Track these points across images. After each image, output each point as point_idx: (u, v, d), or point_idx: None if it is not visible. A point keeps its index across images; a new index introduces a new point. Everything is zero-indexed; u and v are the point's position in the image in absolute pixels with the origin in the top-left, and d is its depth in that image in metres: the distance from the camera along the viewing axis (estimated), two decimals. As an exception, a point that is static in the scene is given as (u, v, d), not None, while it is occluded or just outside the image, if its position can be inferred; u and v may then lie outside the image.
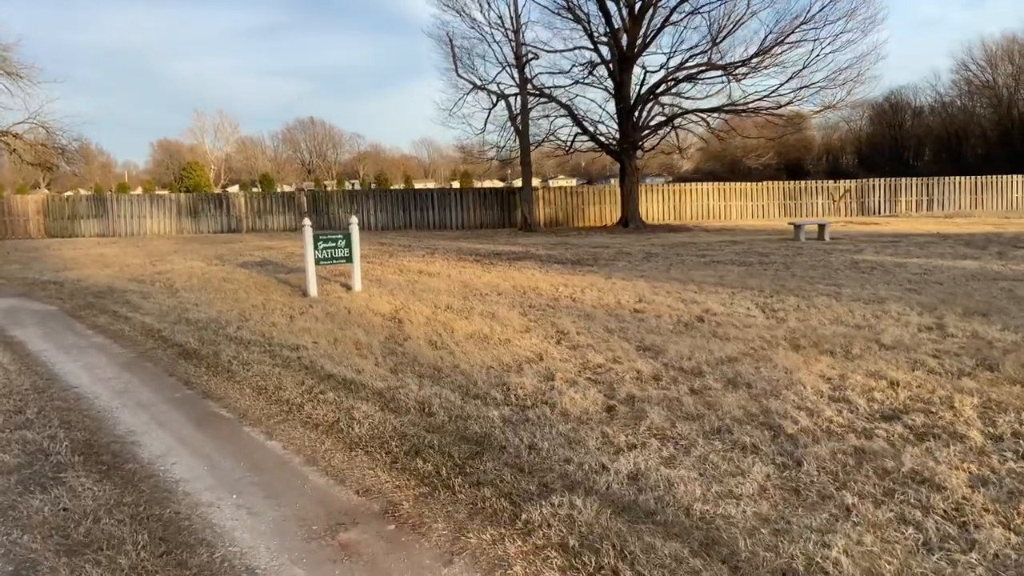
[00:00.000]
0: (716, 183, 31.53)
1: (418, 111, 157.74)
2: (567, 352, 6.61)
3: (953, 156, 53.78)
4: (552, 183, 51.17)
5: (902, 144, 61.48)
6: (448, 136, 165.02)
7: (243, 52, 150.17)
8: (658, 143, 25.26)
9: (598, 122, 26.30)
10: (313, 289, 10.72)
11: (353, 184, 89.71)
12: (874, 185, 31.33)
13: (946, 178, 31.42)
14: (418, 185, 76.08)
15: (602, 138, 25.89)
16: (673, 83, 23.69)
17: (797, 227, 17.24)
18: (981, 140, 53.85)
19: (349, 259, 11.11)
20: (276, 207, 30.84)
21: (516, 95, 25.78)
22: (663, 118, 25.41)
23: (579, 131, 25.83)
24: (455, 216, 30.16)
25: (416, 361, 6.46)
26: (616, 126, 25.60)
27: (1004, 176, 31.15)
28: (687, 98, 25.30)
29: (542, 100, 25.93)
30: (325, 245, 10.92)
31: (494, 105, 27.10)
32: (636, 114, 24.51)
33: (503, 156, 28.59)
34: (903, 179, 31.55)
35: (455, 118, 34.82)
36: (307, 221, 10.81)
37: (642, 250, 16.62)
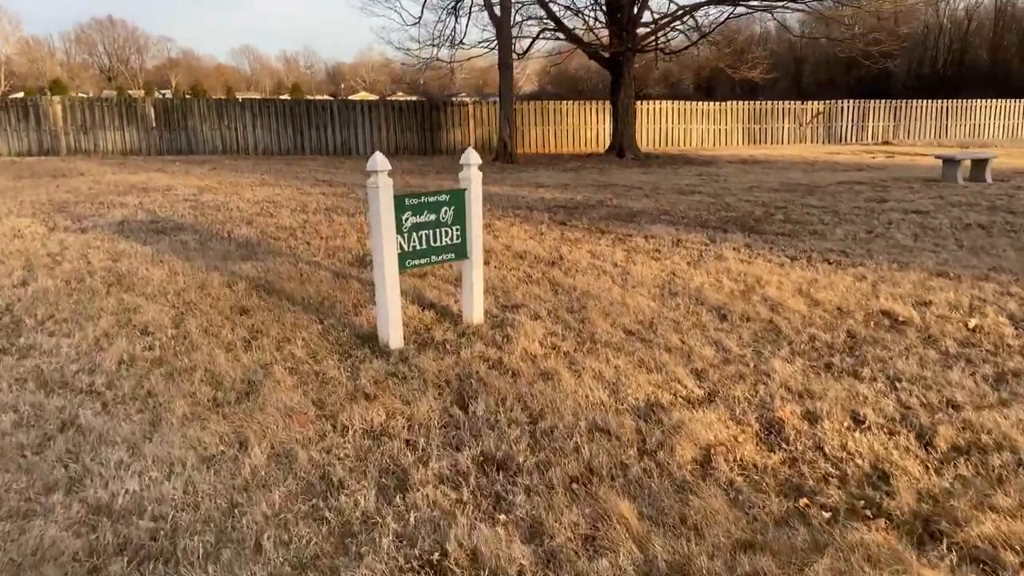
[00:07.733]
0: (674, 102, 26.56)
1: (236, 17, 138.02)
2: None
3: (793, 82, 52.71)
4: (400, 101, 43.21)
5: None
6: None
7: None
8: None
9: (575, 9, 19.88)
10: (395, 333, 4.45)
11: (164, 94, 75.88)
12: (842, 108, 27.90)
13: (914, 102, 28.67)
14: (240, 96, 65.06)
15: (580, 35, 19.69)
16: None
17: (951, 162, 11.96)
18: (822, 66, 53.09)
19: (463, 252, 4.85)
20: (110, 120, 21.82)
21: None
22: (654, 16, 19.70)
23: (552, 27, 19.41)
24: (366, 137, 22.89)
25: None
26: (601, 22, 19.52)
27: (967, 101, 28.93)
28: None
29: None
30: (418, 221, 4.57)
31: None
32: (636, 7, 18.52)
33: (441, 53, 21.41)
34: (871, 102, 28.34)
35: (378, 3, 26.60)
36: (379, 159, 4.37)
37: (763, 199, 11.15)
